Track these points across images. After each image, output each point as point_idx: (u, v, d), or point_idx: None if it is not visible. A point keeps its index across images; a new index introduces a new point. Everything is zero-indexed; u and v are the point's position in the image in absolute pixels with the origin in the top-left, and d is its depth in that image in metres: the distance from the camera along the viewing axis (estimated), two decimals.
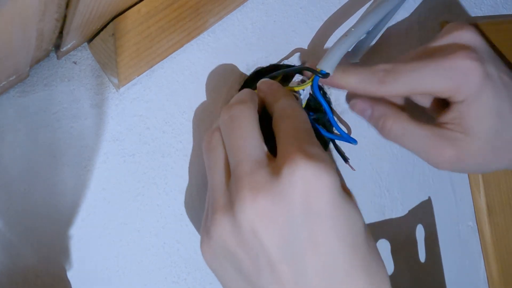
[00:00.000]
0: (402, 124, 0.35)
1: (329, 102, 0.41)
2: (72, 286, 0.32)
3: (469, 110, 0.34)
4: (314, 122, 0.41)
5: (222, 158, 0.30)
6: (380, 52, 0.43)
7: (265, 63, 0.39)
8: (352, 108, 0.38)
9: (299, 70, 0.39)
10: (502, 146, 0.35)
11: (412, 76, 0.34)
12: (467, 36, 0.35)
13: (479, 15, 0.49)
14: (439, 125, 0.35)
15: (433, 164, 0.35)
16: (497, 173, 0.49)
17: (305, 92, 0.37)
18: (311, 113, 0.40)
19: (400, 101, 0.38)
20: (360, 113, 0.38)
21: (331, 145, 0.41)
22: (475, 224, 0.48)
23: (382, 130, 0.36)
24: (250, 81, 0.40)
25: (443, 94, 0.34)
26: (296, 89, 0.37)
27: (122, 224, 0.34)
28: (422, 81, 0.33)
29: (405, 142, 0.35)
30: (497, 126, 0.34)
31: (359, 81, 0.35)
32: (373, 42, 0.41)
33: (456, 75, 0.33)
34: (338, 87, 0.36)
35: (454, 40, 0.35)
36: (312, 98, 0.38)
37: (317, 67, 0.36)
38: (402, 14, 0.45)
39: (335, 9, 0.42)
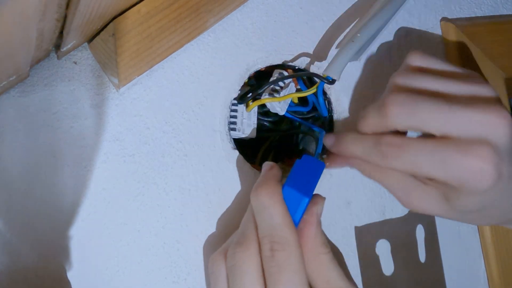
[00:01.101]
0: (380, 174, 0.34)
1: (329, 102, 0.41)
2: (72, 286, 0.32)
3: (462, 196, 0.31)
4: (305, 121, 0.42)
5: None
6: (380, 52, 0.43)
7: (265, 63, 0.39)
8: (330, 166, 0.38)
9: (307, 75, 0.39)
10: (480, 217, 0.33)
11: (417, 159, 0.30)
12: (498, 131, 0.29)
13: (479, 15, 0.49)
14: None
15: (405, 207, 0.34)
16: None
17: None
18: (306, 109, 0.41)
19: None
20: (339, 166, 0.37)
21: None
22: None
23: (362, 173, 0.36)
24: (251, 86, 0.40)
25: (445, 184, 0.31)
26: (304, 94, 0.37)
27: (122, 224, 0.34)
28: (428, 168, 0.30)
29: (382, 183, 0.35)
30: (482, 209, 0.32)
31: (362, 151, 0.33)
32: (374, 42, 0.41)
33: (466, 175, 0.29)
34: (342, 154, 0.35)
35: (482, 127, 0.29)
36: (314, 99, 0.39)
37: (323, 73, 0.36)
38: (402, 14, 0.45)
39: (335, 9, 0.42)
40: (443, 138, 0.30)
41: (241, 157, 0.38)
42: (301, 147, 0.48)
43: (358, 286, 0.42)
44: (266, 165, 0.33)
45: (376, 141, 0.32)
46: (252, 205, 0.32)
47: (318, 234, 0.31)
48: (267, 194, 0.31)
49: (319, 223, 0.31)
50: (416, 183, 0.33)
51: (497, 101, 0.30)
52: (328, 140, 0.36)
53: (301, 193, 0.31)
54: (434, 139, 0.30)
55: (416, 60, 0.33)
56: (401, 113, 0.30)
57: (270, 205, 0.30)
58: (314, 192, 0.33)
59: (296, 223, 0.31)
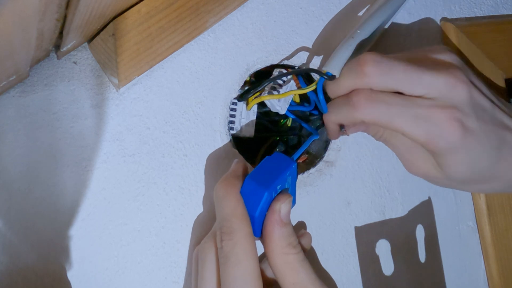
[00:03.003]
0: (391, 132, 0.36)
1: (328, 99, 0.41)
2: (72, 286, 0.32)
3: (444, 160, 0.33)
4: (301, 120, 0.42)
5: (214, 280, 0.31)
6: (380, 52, 0.43)
7: (265, 63, 0.39)
8: (348, 133, 0.38)
9: (307, 71, 0.39)
10: (474, 180, 0.35)
11: (388, 112, 0.32)
12: (458, 92, 0.33)
13: (479, 15, 0.49)
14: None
15: (407, 168, 0.37)
16: None
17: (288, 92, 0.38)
18: (306, 106, 0.41)
19: None
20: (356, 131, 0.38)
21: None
22: (475, 224, 0.48)
23: (375, 136, 0.37)
24: (252, 84, 0.40)
25: (416, 141, 0.33)
26: (304, 91, 0.37)
27: (122, 224, 0.34)
28: (397, 122, 0.32)
29: (390, 143, 0.37)
30: (471, 173, 0.34)
31: (336, 113, 0.35)
32: (374, 41, 0.41)
33: (432, 130, 0.32)
34: (329, 124, 0.37)
35: (445, 88, 0.33)
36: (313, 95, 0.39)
37: (323, 68, 0.36)
38: (402, 14, 0.45)
39: (335, 9, 0.42)
40: (412, 96, 0.33)
41: (241, 157, 0.38)
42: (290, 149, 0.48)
43: (358, 286, 0.42)
44: (234, 161, 0.34)
45: (347, 96, 0.34)
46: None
47: (282, 233, 0.30)
48: (222, 186, 0.31)
49: (282, 221, 0.30)
50: (420, 148, 0.34)
51: (456, 66, 0.34)
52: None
53: (261, 186, 0.30)
54: (404, 95, 0.33)
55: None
56: (378, 71, 0.32)
57: (223, 197, 0.31)
58: (296, 194, 0.33)
59: (255, 218, 0.30)
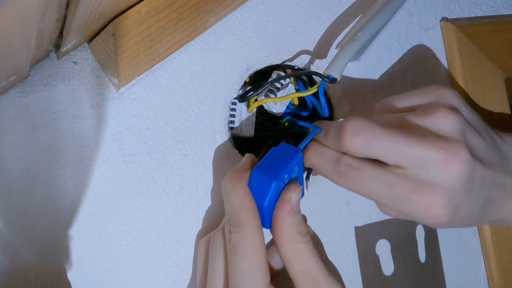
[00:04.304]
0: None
1: (329, 102, 0.41)
2: (72, 286, 0.32)
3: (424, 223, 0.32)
4: (301, 120, 0.42)
5: (222, 273, 0.31)
6: (380, 52, 0.43)
7: (265, 63, 0.39)
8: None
9: (308, 74, 0.39)
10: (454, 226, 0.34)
11: (371, 187, 0.31)
12: (451, 171, 0.29)
13: (479, 15, 0.49)
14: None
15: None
16: None
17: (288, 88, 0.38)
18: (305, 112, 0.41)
19: None
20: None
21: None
22: None
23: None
24: (251, 85, 0.40)
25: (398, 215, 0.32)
26: (305, 94, 0.37)
27: (122, 224, 0.34)
28: (380, 198, 0.31)
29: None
30: (453, 226, 0.32)
31: (322, 166, 0.34)
32: (374, 42, 0.41)
33: (416, 212, 0.30)
34: (306, 162, 0.36)
35: (435, 167, 0.29)
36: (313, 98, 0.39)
37: (324, 71, 0.36)
38: (402, 14, 0.45)
39: (336, 9, 0.42)
40: (399, 169, 0.30)
41: (241, 157, 0.38)
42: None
43: (358, 286, 0.42)
44: (244, 156, 0.34)
45: (336, 159, 0.33)
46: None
47: (292, 222, 0.30)
48: (230, 180, 0.31)
49: (292, 210, 0.30)
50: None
51: (452, 139, 0.30)
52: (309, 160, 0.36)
53: (268, 176, 0.30)
54: (390, 169, 0.30)
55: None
56: (357, 143, 0.31)
57: (231, 190, 0.31)
58: (311, 189, 0.33)
59: (264, 208, 0.30)
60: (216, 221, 0.37)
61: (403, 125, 0.31)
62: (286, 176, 0.31)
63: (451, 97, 0.32)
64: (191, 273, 0.36)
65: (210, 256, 0.32)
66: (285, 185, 0.31)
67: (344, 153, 0.32)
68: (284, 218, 0.30)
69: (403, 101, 0.34)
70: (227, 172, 0.32)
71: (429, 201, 0.29)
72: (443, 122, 0.30)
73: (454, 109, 0.31)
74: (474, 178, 0.30)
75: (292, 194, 0.30)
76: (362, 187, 0.31)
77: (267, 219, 0.31)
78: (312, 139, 0.36)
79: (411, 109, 0.33)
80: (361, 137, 0.30)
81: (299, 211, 0.31)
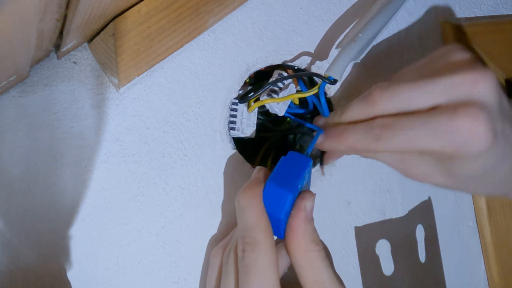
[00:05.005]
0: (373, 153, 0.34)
1: (329, 102, 0.41)
2: (72, 286, 0.32)
3: (458, 162, 0.30)
4: (304, 121, 0.42)
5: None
6: (380, 52, 0.43)
7: (265, 63, 0.39)
8: (326, 162, 0.38)
9: (309, 75, 0.39)
10: (480, 184, 0.33)
11: (410, 135, 0.30)
12: (482, 89, 0.28)
13: (479, 15, 0.49)
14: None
15: (404, 175, 0.35)
16: None
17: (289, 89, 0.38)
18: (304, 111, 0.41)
19: None
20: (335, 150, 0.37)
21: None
22: (475, 224, 0.48)
23: (360, 155, 0.36)
24: (252, 85, 0.40)
25: (442, 154, 0.31)
26: (306, 95, 0.37)
27: (122, 224, 0.34)
28: (422, 142, 0.30)
29: (378, 159, 0.35)
30: (481, 175, 0.31)
31: (355, 140, 0.33)
32: (374, 42, 0.41)
33: (459, 140, 0.28)
34: (335, 148, 0.36)
35: (466, 88, 0.29)
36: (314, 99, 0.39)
37: (325, 73, 0.36)
38: (402, 14, 0.45)
39: (335, 9, 0.42)
40: (432, 109, 0.30)
41: (241, 157, 0.38)
42: (298, 147, 0.48)
43: (358, 286, 0.42)
44: (255, 169, 0.33)
45: (367, 126, 0.32)
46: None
47: (307, 230, 0.30)
48: (245, 196, 0.31)
49: (307, 219, 0.30)
50: (411, 155, 0.33)
51: (474, 61, 0.30)
52: (319, 139, 0.36)
53: (284, 188, 0.30)
54: (426, 112, 0.30)
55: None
56: (387, 96, 0.31)
57: (246, 207, 0.30)
58: (310, 189, 0.33)
59: (281, 220, 0.30)
60: (217, 223, 0.37)
61: (424, 71, 0.31)
62: (299, 186, 0.31)
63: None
64: (192, 273, 0.36)
65: (223, 273, 0.31)
66: (299, 193, 0.31)
67: (374, 119, 0.32)
68: (299, 226, 0.30)
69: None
70: (242, 187, 0.31)
71: (471, 118, 0.28)
72: (458, 54, 0.31)
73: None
74: (504, 105, 0.30)
75: (307, 202, 0.30)
76: (402, 140, 0.30)
77: (282, 230, 0.31)
78: (324, 127, 0.36)
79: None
80: (390, 90, 0.31)
81: (313, 219, 0.31)
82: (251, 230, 0.30)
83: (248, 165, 0.38)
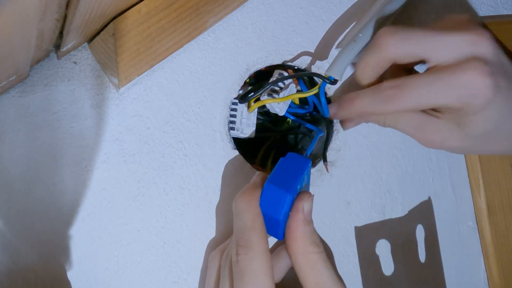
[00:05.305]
0: (393, 117, 0.36)
1: (329, 102, 0.41)
2: (72, 286, 0.32)
3: (470, 117, 0.33)
4: (304, 121, 0.42)
5: None
6: None
7: (265, 63, 0.39)
8: (345, 127, 0.39)
9: (309, 75, 0.39)
10: (493, 140, 0.35)
11: (419, 93, 0.32)
12: (482, 47, 0.32)
13: (479, 15, 0.49)
14: (431, 112, 0.35)
15: (421, 144, 0.36)
16: (497, 173, 0.49)
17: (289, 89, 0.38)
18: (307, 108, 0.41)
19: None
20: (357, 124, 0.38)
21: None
22: (475, 224, 0.48)
23: (378, 124, 0.37)
24: (252, 85, 0.40)
25: (450, 108, 0.33)
26: (306, 95, 0.37)
27: (122, 224, 0.34)
28: (430, 98, 0.32)
29: (397, 127, 0.36)
30: (493, 129, 0.33)
31: (366, 104, 0.35)
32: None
33: (465, 93, 0.31)
34: (348, 116, 0.37)
35: (468, 47, 0.32)
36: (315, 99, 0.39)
37: (325, 73, 0.36)
38: (402, 14, 0.45)
39: (335, 9, 0.42)
40: (437, 67, 0.32)
41: (241, 157, 0.38)
42: (300, 147, 0.48)
43: (358, 286, 0.42)
44: (255, 174, 0.33)
45: (375, 89, 0.34)
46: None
47: (306, 232, 0.30)
48: (242, 200, 0.31)
49: (306, 220, 0.30)
50: (428, 118, 0.34)
51: (475, 23, 0.33)
52: (332, 109, 0.38)
53: (282, 189, 0.30)
54: (432, 70, 0.32)
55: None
56: (395, 41, 0.32)
57: (242, 210, 0.30)
58: (310, 189, 0.33)
59: (280, 221, 0.30)
60: (217, 223, 0.37)
61: (431, 27, 0.33)
62: (298, 187, 0.31)
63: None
64: (192, 273, 0.36)
65: (221, 277, 0.31)
66: (298, 194, 0.31)
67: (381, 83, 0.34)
68: (298, 228, 0.30)
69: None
70: (239, 191, 0.32)
71: (474, 71, 0.31)
72: (464, 16, 0.34)
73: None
74: (504, 62, 0.32)
75: (305, 203, 0.30)
76: (411, 99, 0.32)
77: (281, 231, 0.31)
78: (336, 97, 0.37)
79: None
80: (398, 34, 0.32)
81: (311, 220, 0.31)
82: (245, 233, 0.29)
83: (248, 165, 0.38)
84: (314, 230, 0.31)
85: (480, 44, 0.32)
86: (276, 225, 0.30)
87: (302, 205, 0.30)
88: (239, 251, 0.29)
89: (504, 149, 0.36)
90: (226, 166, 0.37)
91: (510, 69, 0.33)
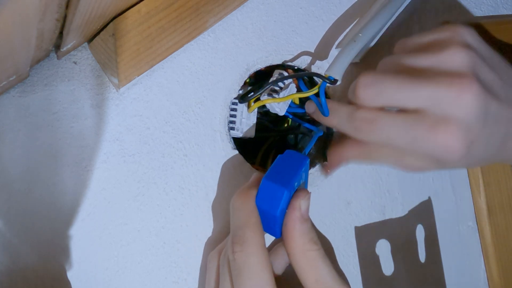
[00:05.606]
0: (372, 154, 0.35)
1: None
2: (72, 286, 0.32)
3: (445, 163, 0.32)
4: (304, 121, 0.42)
5: None
6: (380, 52, 0.43)
7: (265, 63, 0.39)
8: (330, 171, 0.40)
9: (309, 75, 0.39)
10: (481, 161, 0.33)
11: (389, 135, 0.31)
12: (465, 103, 0.29)
13: (479, 15, 0.49)
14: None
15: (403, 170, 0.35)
16: (497, 173, 0.49)
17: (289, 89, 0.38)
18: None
19: None
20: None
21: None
22: (475, 224, 0.48)
23: (362, 163, 0.38)
24: (251, 84, 0.40)
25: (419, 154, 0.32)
26: (306, 95, 0.37)
27: (122, 224, 0.34)
28: (398, 143, 0.31)
29: (378, 162, 0.35)
30: (478, 158, 0.32)
31: (337, 122, 0.35)
32: (374, 42, 0.41)
33: (434, 150, 0.30)
34: (320, 121, 0.38)
35: (450, 102, 0.30)
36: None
37: (325, 73, 0.36)
38: (402, 14, 0.45)
39: (335, 9, 0.42)
40: (414, 113, 0.31)
41: (241, 157, 0.38)
42: (299, 146, 0.48)
43: (358, 286, 0.42)
44: (253, 174, 0.33)
45: (350, 114, 0.33)
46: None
47: (303, 230, 0.30)
48: (238, 198, 0.31)
49: (303, 218, 0.30)
50: (404, 152, 0.33)
51: (464, 74, 0.30)
52: (310, 107, 0.38)
53: (279, 185, 0.30)
54: (405, 114, 0.31)
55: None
56: (369, 94, 0.32)
57: (238, 207, 0.30)
58: (308, 188, 0.33)
59: (277, 217, 0.30)
60: (217, 223, 0.37)
61: (414, 69, 0.31)
62: (295, 184, 0.31)
63: (465, 34, 0.32)
64: (192, 273, 0.36)
65: (221, 276, 0.31)
66: (294, 192, 0.31)
67: (357, 109, 0.33)
68: (295, 226, 0.30)
69: (419, 39, 0.34)
70: (236, 191, 0.32)
71: (446, 136, 0.29)
72: (455, 58, 0.30)
73: (467, 45, 0.31)
74: (489, 111, 0.30)
75: (301, 201, 0.30)
76: (381, 136, 0.32)
77: (278, 228, 0.31)
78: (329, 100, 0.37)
79: (426, 46, 0.33)
80: (373, 88, 0.31)
81: (309, 218, 0.31)
82: (241, 229, 0.30)
83: (248, 165, 0.38)
84: (312, 228, 0.30)
85: (459, 99, 0.29)
86: (273, 222, 0.30)
87: (299, 203, 0.30)
88: (235, 248, 0.29)
89: (489, 162, 0.35)
90: (226, 166, 0.37)
91: (497, 110, 0.31)
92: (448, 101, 0.29)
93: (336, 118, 0.35)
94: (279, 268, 0.33)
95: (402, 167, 0.34)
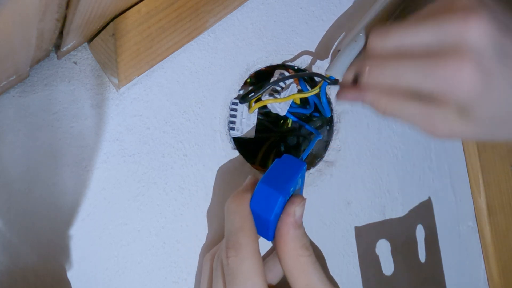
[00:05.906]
0: (395, 104, 0.33)
1: (329, 102, 0.41)
2: (72, 286, 0.32)
3: (469, 105, 0.29)
4: (305, 123, 0.42)
5: None
6: None
7: (265, 63, 0.39)
8: (342, 99, 0.37)
9: (310, 75, 0.39)
10: (503, 124, 0.31)
11: (398, 72, 0.31)
12: (473, 33, 0.28)
13: None
14: (434, 100, 0.31)
15: (429, 135, 0.34)
16: (497, 173, 0.49)
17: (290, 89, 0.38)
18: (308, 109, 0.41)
19: None
20: (353, 101, 0.37)
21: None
22: (475, 224, 0.48)
23: (378, 111, 0.35)
24: (252, 85, 0.40)
25: (432, 96, 0.31)
26: (307, 95, 0.37)
27: (122, 224, 0.34)
28: (409, 80, 0.30)
29: (400, 118, 0.34)
30: (499, 112, 0.30)
31: (352, 75, 0.35)
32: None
33: (444, 85, 0.29)
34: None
35: (456, 33, 0.28)
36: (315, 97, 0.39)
37: (326, 72, 0.36)
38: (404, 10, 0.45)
39: (335, 9, 0.42)
40: (425, 50, 0.30)
41: (241, 157, 0.38)
42: (302, 148, 0.48)
43: (358, 286, 0.42)
44: (248, 177, 0.33)
45: (361, 62, 0.33)
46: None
47: (296, 235, 0.30)
48: (233, 201, 0.31)
49: (296, 224, 0.30)
50: (434, 108, 0.31)
51: (473, 4, 0.29)
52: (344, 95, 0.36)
53: (275, 190, 0.30)
54: (417, 57, 0.30)
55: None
56: (377, 39, 0.32)
57: (233, 210, 0.30)
58: (305, 192, 0.33)
59: (270, 221, 0.30)
60: (217, 223, 0.37)
61: (420, 15, 0.31)
62: (291, 189, 0.31)
63: None
64: (192, 273, 0.36)
65: (214, 279, 0.31)
66: (290, 197, 0.31)
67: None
68: (289, 231, 0.30)
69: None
70: (231, 194, 0.32)
71: (455, 65, 0.28)
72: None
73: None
74: (504, 47, 0.28)
75: (296, 208, 0.30)
76: (390, 74, 0.31)
77: (271, 232, 0.31)
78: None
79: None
80: (381, 32, 0.32)
81: (302, 224, 0.31)
82: (235, 234, 0.29)
83: (248, 165, 0.38)
84: (304, 234, 0.30)
85: (468, 29, 0.28)
86: (266, 226, 0.30)
87: (294, 209, 0.30)
88: (228, 253, 0.29)
89: None
90: (226, 166, 0.37)
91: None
92: (457, 31, 0.28)
93: (351, 72, 0.35)
94: (278, 275, 0.33)
95: (432, 131, 0.32)
